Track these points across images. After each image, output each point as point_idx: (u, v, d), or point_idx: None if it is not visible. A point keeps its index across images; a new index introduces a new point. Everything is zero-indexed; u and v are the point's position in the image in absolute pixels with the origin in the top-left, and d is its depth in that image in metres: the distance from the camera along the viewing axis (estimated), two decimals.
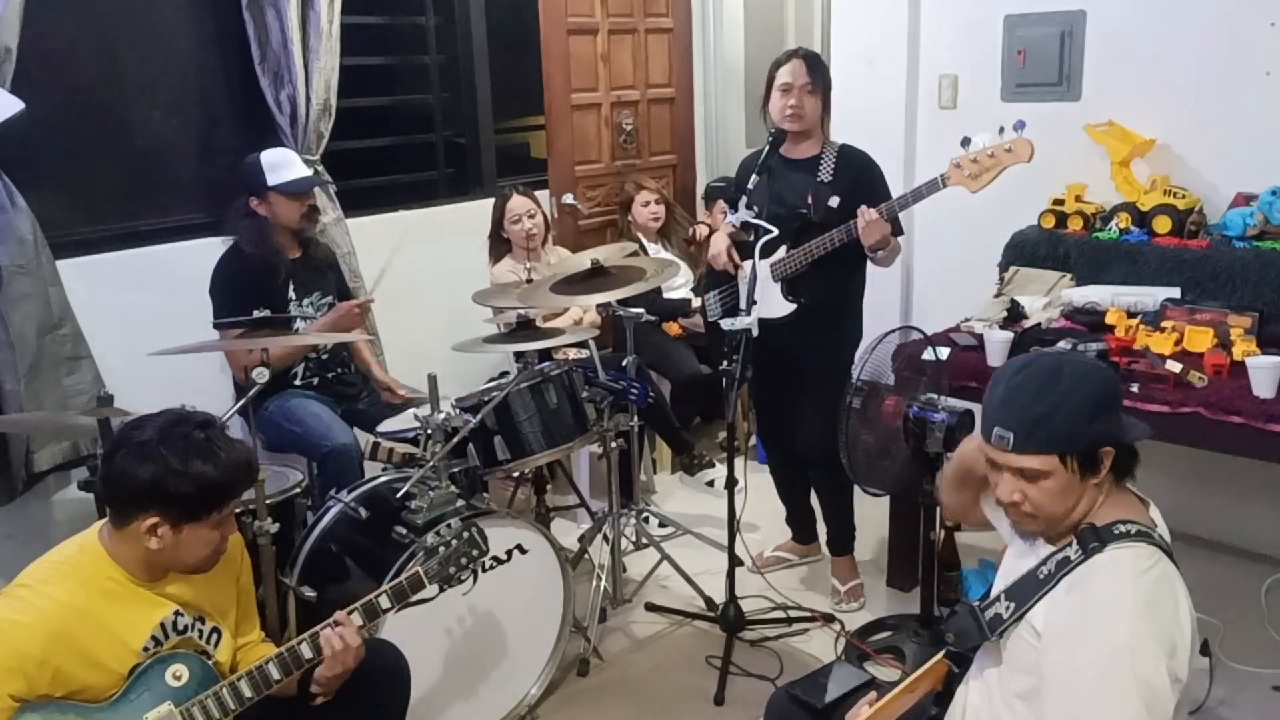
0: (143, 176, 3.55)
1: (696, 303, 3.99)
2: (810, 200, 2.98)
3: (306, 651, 1.90)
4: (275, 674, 1.86)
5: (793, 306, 3.03)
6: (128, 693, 1.77)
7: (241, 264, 3.17)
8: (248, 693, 1.83)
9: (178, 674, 1.81)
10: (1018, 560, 1.68)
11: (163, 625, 1.82)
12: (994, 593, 1.66)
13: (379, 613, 1.98)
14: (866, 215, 2.82)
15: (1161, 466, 3.49)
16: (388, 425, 3.03)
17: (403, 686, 2.17)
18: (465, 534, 2.08)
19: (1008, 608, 1.56)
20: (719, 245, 3.18)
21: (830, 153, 3.05)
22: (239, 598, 2.02)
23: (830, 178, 3.01)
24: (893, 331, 2.76)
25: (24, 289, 2.98)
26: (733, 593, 2.99)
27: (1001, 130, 2.76)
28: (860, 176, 3.01)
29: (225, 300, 3.12)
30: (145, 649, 1.79)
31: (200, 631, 1.89)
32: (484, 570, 2.58)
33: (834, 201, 2.97)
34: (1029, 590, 1.55)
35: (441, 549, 2.05)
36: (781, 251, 3.00)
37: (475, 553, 2.09)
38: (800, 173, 3.04)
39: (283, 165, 3.18)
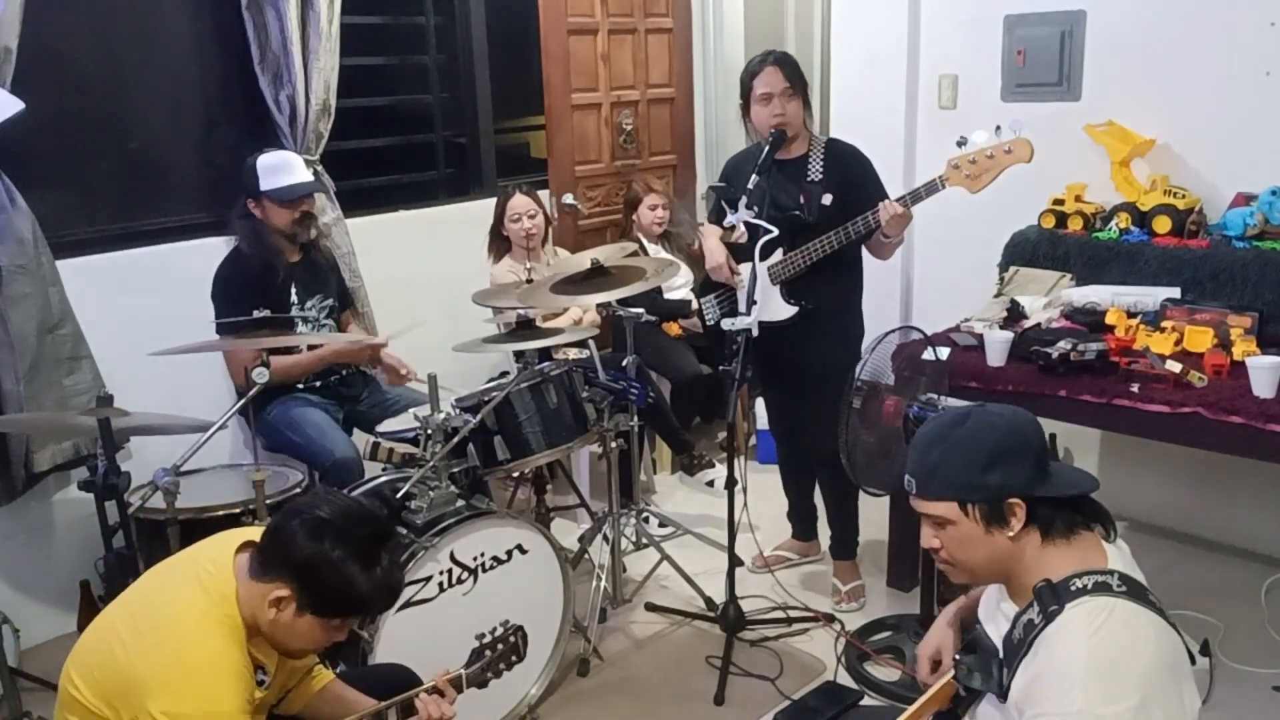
0: (143, 176, 3.55)
1: (696, 305, 3.98)
2: (804, 201, 2.98)
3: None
4: None
5: (795, 310, 3.04)
6: None
7: (242, 266, 3.17)
8: None
9: None
10: (988, 623, 1.67)
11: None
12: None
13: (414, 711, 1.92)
14: (890, 209, 2.82)
15: (1161, 466, 3.50)
16: (388, 425, 3.02)
17: None
18: (511, 639, 2.04)
19: (1007, 674, 1.55)
20: (718, 257, 3.16)
21: (818, 150, 3.05)
22: None
23: (820, 176, 3.01)
24: (893, 331, 2.76)
25: (24, 289, 2.98)
26: (733, 593, 2.99)
27: (998, 129, 2.76)
28: (849, 170, 3.01)
29: (227, 303, 3.11)
30: None
31: (261, 682, 1.79)
32: (484, 570, 2.59)
33: (827, 199, 2.98)
34: (1010, 657, 1.54)
35: (488, 652, 2.01)
36: (778, 254, 3.00)
37: (514, 659, 2.05)
38: (790, 173, 3.04)
39: (279, 169, 3.17)
